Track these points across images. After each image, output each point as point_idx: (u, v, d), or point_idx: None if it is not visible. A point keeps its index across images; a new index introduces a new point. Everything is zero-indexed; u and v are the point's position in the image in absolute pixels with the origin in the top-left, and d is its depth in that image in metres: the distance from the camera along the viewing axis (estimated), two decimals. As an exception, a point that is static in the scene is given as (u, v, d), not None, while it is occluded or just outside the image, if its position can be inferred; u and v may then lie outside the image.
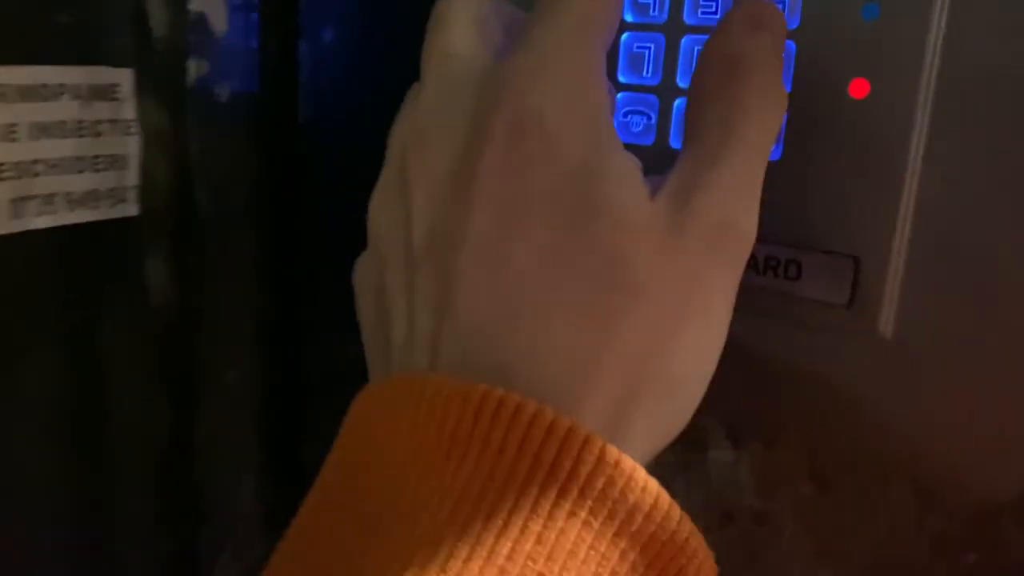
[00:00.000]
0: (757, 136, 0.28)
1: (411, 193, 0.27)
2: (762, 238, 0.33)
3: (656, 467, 0.39)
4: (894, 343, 0.32)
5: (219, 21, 0.32)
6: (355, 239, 0.39)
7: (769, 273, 0.33)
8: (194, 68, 0.32)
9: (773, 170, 0.32)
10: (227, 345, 0.36)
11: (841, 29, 0.30)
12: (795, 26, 0.31)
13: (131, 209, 0.31)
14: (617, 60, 0.35)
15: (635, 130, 0.35)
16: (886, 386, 0.32)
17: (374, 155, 0.38)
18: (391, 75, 0.38)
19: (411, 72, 0.39)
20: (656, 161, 0.35)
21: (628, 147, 0.35)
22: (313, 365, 0.38)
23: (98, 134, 0.29)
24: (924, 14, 0.29)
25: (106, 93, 0.29)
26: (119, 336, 0.32)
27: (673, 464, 0.38)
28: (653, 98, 0.35)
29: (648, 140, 0.35)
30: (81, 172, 0.29)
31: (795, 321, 0.33)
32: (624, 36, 0.35)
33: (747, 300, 0.34)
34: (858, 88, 0.30)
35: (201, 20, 0.32)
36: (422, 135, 0.28)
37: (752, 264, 0.33)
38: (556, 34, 0.27)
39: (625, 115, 0.35)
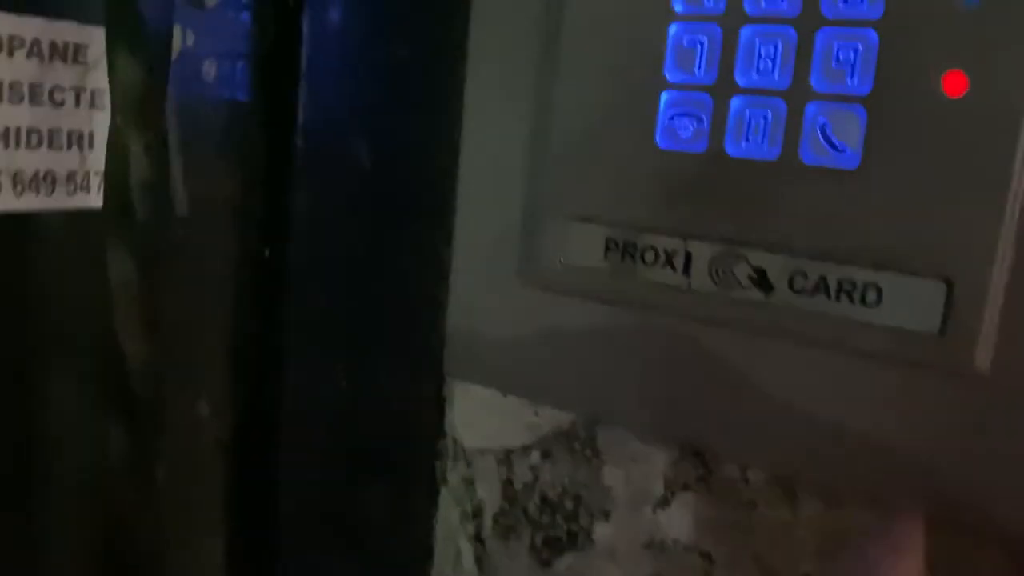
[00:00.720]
0: None
1: None
2: (833, 257, 0.29)
3: (698, 528, 0.34)
4: (992, 379, 0.27)
5: (210, -13, 0.27)
6: (356, 250, 0.34)
7: (844, 299, 0.29)
8: (179, 37, 0.27)
9: (850, 179, 0.28)
10: (198, 371, 0.30)
11: (934, 16, 0.26)
12: (879, 14, 0.27)
13: (93, 200, 0.26)
14: (664, 55, 0.31)
15: (684, 135, 0.31)
16: (982, 430, 0.27)
17: (381, 153, 0.33)
18: (393, 63, 0.33)
19: (425, 57, 0.34)
20: (708, 169, 0.31)
21: (675, 154, 0.31)
22: (293, 398, 0.32)
23: (59, 103, 0.24)
24: (1038, -3, 0.25)
25: (71, 54, 0.24)
26: (66, 357, 0.26)
27: (713, 525, 0.33)
28: (706, 98, 0.30)
29: (700, 147, 0.31)
30: (34, 148, 0.24)
31: (873, 355, 0.29)
32: (672, 28, 0.31)
33: (816, 330, 0.29)
34: (953, 84, 0.26)
35: (189, -17, 0.27)
36: None
37: (822, 288, 0.29)
38: None
39: (672, 118, 0.31)
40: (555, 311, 0.35)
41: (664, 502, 0.34)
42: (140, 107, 0.26)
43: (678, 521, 0.34)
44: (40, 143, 0.24)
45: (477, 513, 0.39)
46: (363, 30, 0.31)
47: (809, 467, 0.31)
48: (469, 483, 0.39)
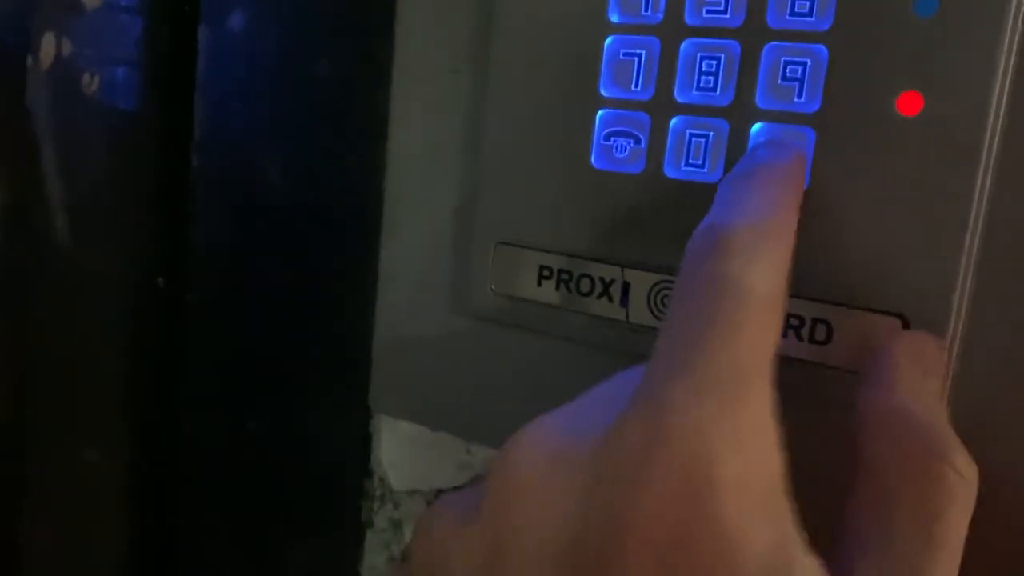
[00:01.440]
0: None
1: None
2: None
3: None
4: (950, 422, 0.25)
5: (89, -11, 0.24)
6: (266, 279, 0.31)
7: (791, 335, 0.26)
8: (51, 45, 0.24)
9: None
10: (84, 416, 0.27)
11: (887, 29, 0.24)
12: (827, 26, 0.25)
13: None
14: (600, 69, 0.28)
15: (620, 155, 0.28)
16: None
17: (294, 174, 0.30)
18: (310, 76, 0.30)
19: (346, 73, 0.31)
20: (645, 193, 0.28)
21: (611, 175, 0.29)
22: (192, 443, 0.29)
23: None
24: (997, 7, 0.23)
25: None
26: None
27: None
28: (644, 116, 0.28)
29: (636, 168, 0.28)
30: None
31: (821, 397, 0.26)
32: (608, 40, 0.28)
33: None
34: (908, 103, 0.24)
35: (64, -16, 0.24)
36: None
37: (768, 323, 0.26)
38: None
39: (608, 137, 0.29)
40: (487, 342, 0.33)
41: (603, 550, 0.32)
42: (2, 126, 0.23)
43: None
44: None
45: (405, 558, 0.36)
46: (273, 43, 0.28)
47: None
48: (397, 526, 0.36)
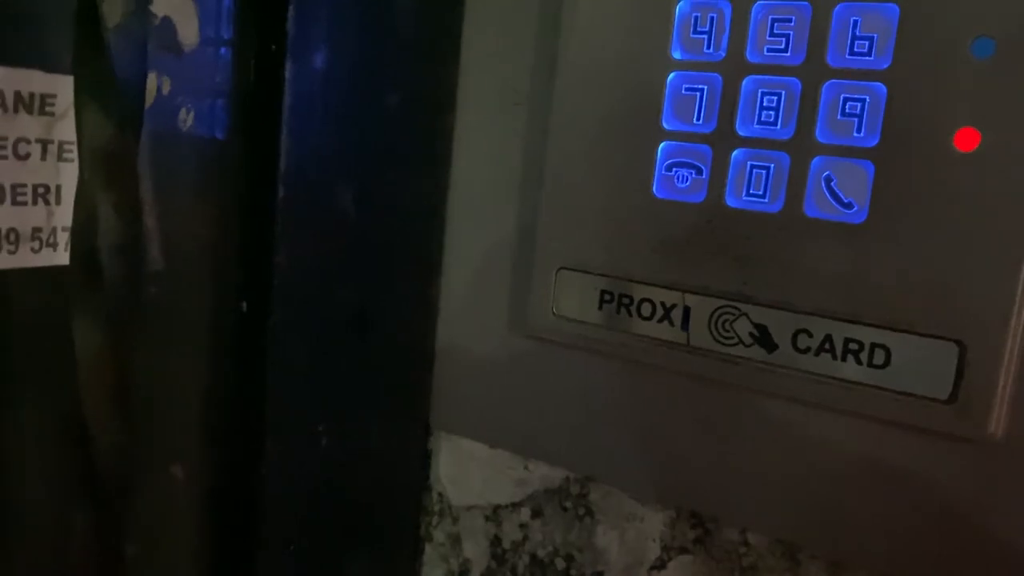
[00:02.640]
0: None
1: None
2: (839, 315, 0.27)
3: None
4: (1006, 447, 0.26)
5: (189, 32, 0.26)
6: (340, 303, 0.32)
7: (850, 359, 0.27)
8: (154, 85, 0.25)
9: (857, 235, 0.27)
10: (172, 433, 0.29)
11: (946, 69, 0.25)
12: (887, 65, 0.26)
13: (60, 257, 0.24)
14: (663, 103, 0.30)
15: (682, 185, 0.30)
16: (994, 500, 0.26)
17: (367, 202, 0.32)
18: (383, 111, 0.32)
19: (414, 105, 0.33)
20: (706, 221, 0.29)
21: (674, 204, 0.30)
22: (278, 465, 0.30)
23: (23, 156, 0.23)
24: (1053, 52, 0.24)
25: (36, 104, 0.23)
26: (32, 416, 0.24)
27: (714, 574, 0.32)
28: (705, 148, 0.29)
29: (698, 197, 0.29)
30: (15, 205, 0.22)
31: (880, 419, 0.27)
32: (671, 76, 0.30)
33: (822, 392, 0.28)
34: (966, 139, 0.25)
35: (167, 28, 0.25)
36: None
37: (828, 347, 0.28)
38: None
39: (669, 168, 0.30)
40: (547, 363, 0.34)
41: (660, 565, 0.33)
42: (110, 159, 0.24)
43: (675, 585, 0.33)
44: (3, 199, 0.22)
45: (464, 572, 0.37)
46: (350, 76, 0.30)
47: (811, 533, 0.29)
48: (455, 540, 0.37)
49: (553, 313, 0.33)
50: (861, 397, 0.27)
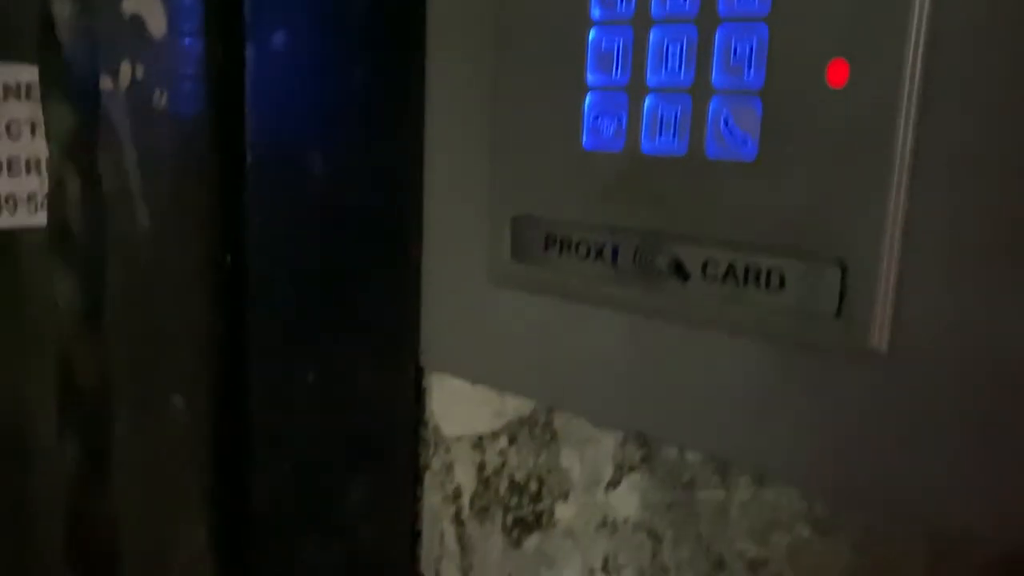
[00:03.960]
0: None
1: None
2: (740, 245, 0.30)
3: (640, 509, 0.35)
4: (889, 359, 0.28)
5: (157, 25, 0.31)
6: (318, 254, 0.37)
7: (751, 284, 0.30)
8: (128, 71, 0.30)
9: (751, 170, 0.29)
10: (172, 368, 0.34)
11: (817, 6, 0.27)
12: (767, 9, 0.28)
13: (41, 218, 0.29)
14: (585, 59, 0.33)
15: (606, 135, 0.33)
16: (884, 411, 0.28)
17: (337, 164, 0.36)
18: (348, 83, 0.36)
19: (371, 82, 0.37)
20: (628, 168, 0.32)
21: (600, 154, 0.33)
22: (263, 392, 0.35)
23: (15, 136, 0.28)
24: (905, -15, 0.26)
25: (24, 92, 0.28)
26: (23, 359, 0.30)
27: (658, 505, 0.35)
28: (623, 97, 0.32)
29: (619, 146, 0.32)
30: (-4, 175, 0.28)
31: (781, 338, 0.30)
32: (592, 32, 0.32)
33: (729, 314, 0.30)
34: (837, 74, 0.27)
35: (137, 23, 0.30)
36: None
37: (732, 274, 0.30)
38: None
39: (595, 118, 0.33)
40: (510, 305, 0.37)
41: (615, 483, 0.36)
42: (73, 137, 0.29)
43: (627, 501, 0.36)
44: (2, 171, 0.28)
45: (456, 496, 0.41)
46: (312, 54, 0.34)
47: (735, 448, 0.32)
48: (449, 468, 0.42)
49: (510, 259, 0.36)
50: (764, 318, 0.30)
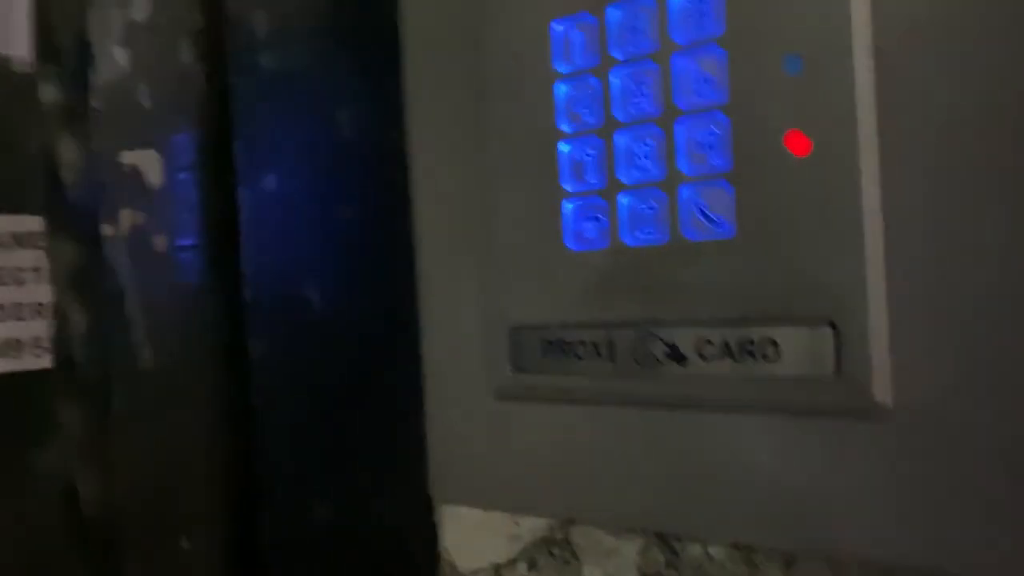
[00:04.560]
0: None
1: None
2: (731, 322, 0.30)
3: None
4: (896, 412, 0.28)
5: (154, 175, 0.32)
6: (324, 385, 0.37)
7: (747, 358, 0.30)
8: (128, 218, 0.32)
9: (731, 248, 0.30)
10: (177, 509, 0.33)
11: (768, 88, 0.29)
12: (725, 99, 0.30)
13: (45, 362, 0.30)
14: (558, 168, 0.34)
15: (590, 236, 0.34)
16: (899, 465, 0.28)
17: (334, 296, 0.37)
18: (338, 222, 0.38)
19: (370, 210, 0.38)
20: (616, 263, 0.33)
21: (586, 255, 0.34)
22: (276, 531, 0.34)
23: (21, 283, 0.29)
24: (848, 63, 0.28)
25: (28, 240, 0.29)
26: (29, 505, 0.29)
27: (691, 608, 0.33)
28: (599, 200, 0.33)
29: (604, 244, 0.33)
30: (3, 320, 0.28)
31: (783, 407, 0.30)
32: (563, 145, 0.34)
33: (729, 392, 0.30)
34: (797, 145, 0.29)
35: (135, 174, 0.32)
36: None
37: (727, 351, 0.30)
38: None
39: (576, 222, 0.34)
40: (516, 419, 0.37)
41: (641, 593, 0.35)
42: (85, 277, 0.30)
43: (656, 611, 0.34)
44: (7, 317, 0.29)
45: (480, 635, 0.40)
46: (301, 195, 0.36)
47: (758, 532, 0.31)
48: (469, 606, 0.40)
49: (511, 372, 0.37)
50: (765, 389, 0.30)
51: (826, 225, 0.28)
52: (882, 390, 0.28)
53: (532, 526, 0.38)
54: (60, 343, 0.29)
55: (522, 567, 0.38)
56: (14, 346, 0.29)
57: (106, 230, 0.31)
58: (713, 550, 0.33)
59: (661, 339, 0.32)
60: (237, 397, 0.34)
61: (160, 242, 0.33)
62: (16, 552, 0.28)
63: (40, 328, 0.29)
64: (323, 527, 0.36)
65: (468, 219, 0.38)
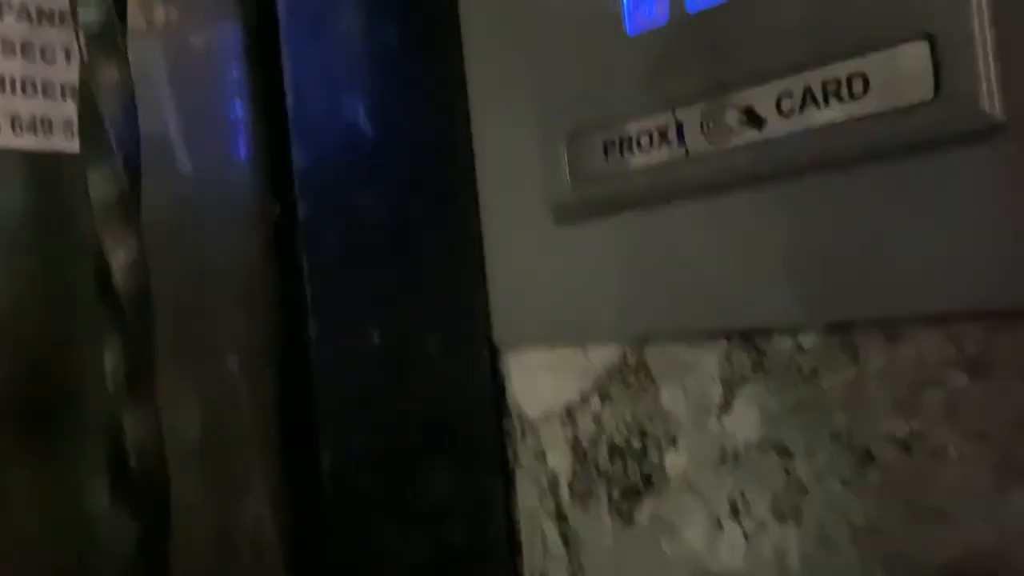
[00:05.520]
0: None
1: None
2: (808, 64, 0.27)
3: (761, 425, 0.30)
4: (1012, 124, 0.24)
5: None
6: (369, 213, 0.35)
7: (833, 101, 0.27)
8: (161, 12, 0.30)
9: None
10: (225, 327, 0.31)
11: None
12: None
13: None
14: (613, -52, 0.32)
15: (649, 16, 0.31)
16: (1018, 190, 0.24)
17: (383, 122, 0.35)
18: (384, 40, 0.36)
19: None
20: (678, 35, 0.30)
21: (647, 35, 0.31)
22: (323, 350, 0.32)
23: (50, 60, 0.28)
24: None
25: (57, 17, 0.28)
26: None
27: (780, 414, 0.30)
28: (658, -30, 0.31)
29: (664, 19, 0.31)
30: (29, 96, 0.27)
31: (883, 150, 0.26)
32: (616, -77, 0.32)
33: (819, 146, 0.27)
34: None
35: None
36: None
37: (811, 99, 0.27)
38: None
39: (638, 4, 0.32)
40: (578, 241, 0.34)
41: (726, 406, 0.31)
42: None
43: (744, 422, 0.31)
44: (36, 92, 0.27)
45: (553, 487, 0.37)
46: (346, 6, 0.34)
47: (859, 304, 0.28)
48: (540, 457, 0.37)
49: (570, 184, 0.34)
50: (853, 134, 0.26)
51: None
52: (990, 101, 0.24)
53: (603, 355, 0.35)
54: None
55: (595, 403, 0.35)
56: (43, 123, 0.27)
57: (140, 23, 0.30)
58: (805, 340, 0.29)
59: (733, 106, 0.29)
60: (282, 210, 0.33)
61: (198, 40, 0.31)
62: (45, 319, 0.27)
63: (71, 109, 0.28)
64: (376, 356, 0.34)
65: (519, 21, 0.36)
